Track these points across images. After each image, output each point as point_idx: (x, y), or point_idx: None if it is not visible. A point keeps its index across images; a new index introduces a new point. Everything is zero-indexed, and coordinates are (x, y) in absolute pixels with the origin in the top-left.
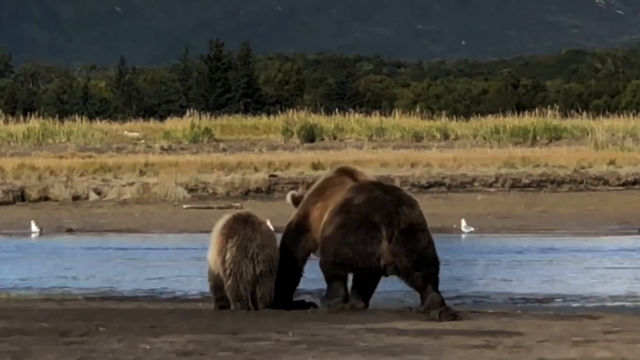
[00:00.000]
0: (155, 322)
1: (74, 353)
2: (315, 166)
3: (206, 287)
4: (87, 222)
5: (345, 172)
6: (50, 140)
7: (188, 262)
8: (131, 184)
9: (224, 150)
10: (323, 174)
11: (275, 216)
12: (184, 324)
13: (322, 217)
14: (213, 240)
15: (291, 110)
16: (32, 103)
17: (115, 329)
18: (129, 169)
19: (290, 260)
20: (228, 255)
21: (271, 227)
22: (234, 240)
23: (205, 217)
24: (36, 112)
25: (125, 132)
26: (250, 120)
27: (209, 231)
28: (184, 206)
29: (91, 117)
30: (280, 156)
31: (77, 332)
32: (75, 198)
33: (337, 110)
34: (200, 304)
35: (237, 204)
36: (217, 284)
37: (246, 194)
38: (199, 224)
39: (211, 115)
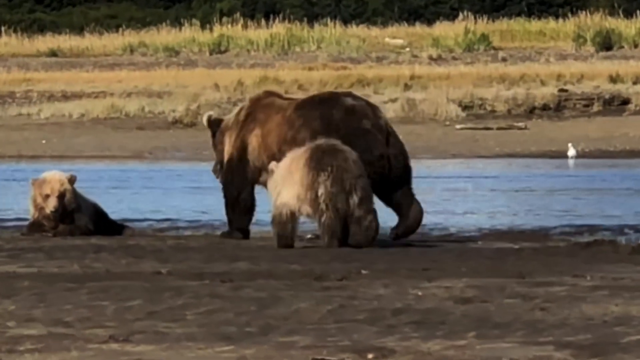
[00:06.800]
0: (427, 263)
1: (331, 300)
2: (613, 79)
3: (483, 223)
4: None
5: (272, 94)
6: (297, 49)
7: (461, 193)
8: (394, 100)
9: (504, 60)
10: (245, 101)
11: (566, 138)
12: (462, 266)
13: (262, 144)
14: (295, 174)
15: (584, 12)
16: (275, 4)
17: (379, 272)
18: (391, 82)
19: (243, 193)
20: (322, 190)
21: (572, 151)
22: (327, 173)
23: (482, 140)
24: (280, 15)
25: (387, 39)
26: (535, 25)
27: (486, 156)
28: (457, 126)
29: (346, 21)
30: (571, 67)
31: (334, 276)
32: None
33: (638, 12)
34: (479, 242)
35: (520, 124)
36: (284, 220)
37: (531, 111)
38: (475, 148)
39: (488, 18)
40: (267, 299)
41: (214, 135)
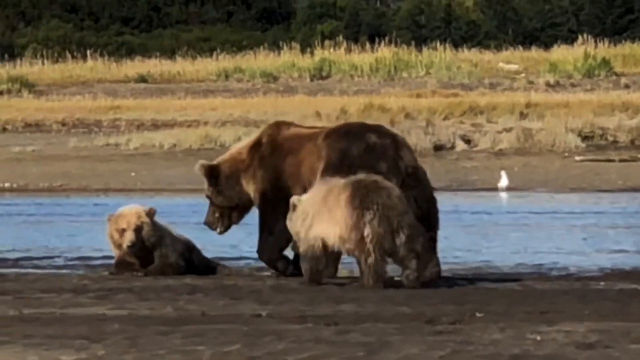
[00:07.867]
0: (546, 305)
1: (443, 345)
2: None
3: (606, 262)
4: (453, 178)
5: (289, 123)
6: (404, 74)
7: (582, 230)
8: (509, 130)
9: (627, 86)
10: (255, 134)
11: None
12: (583, 309)
13: (296, 173)
14: (335, 211)
15: None
16: (381, 27)
17: (495, 315)
18: (505, 110)
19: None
20: (368, 231)
21: None
22: (373, 212)
23: (604, 172)
24: (386, 39)
25: (501, 64)
26: None
27: (608, 190)
28: (577, 158)
29: (456, 45)
30: None
31: (446, 319)
32: (438, 148)
33: None
34: (602, 283)
35: None
36: (317, 255)
37: None
38: (596, 181)
39: (610, 42)
40: (375, 344)
41: (214, 184)
